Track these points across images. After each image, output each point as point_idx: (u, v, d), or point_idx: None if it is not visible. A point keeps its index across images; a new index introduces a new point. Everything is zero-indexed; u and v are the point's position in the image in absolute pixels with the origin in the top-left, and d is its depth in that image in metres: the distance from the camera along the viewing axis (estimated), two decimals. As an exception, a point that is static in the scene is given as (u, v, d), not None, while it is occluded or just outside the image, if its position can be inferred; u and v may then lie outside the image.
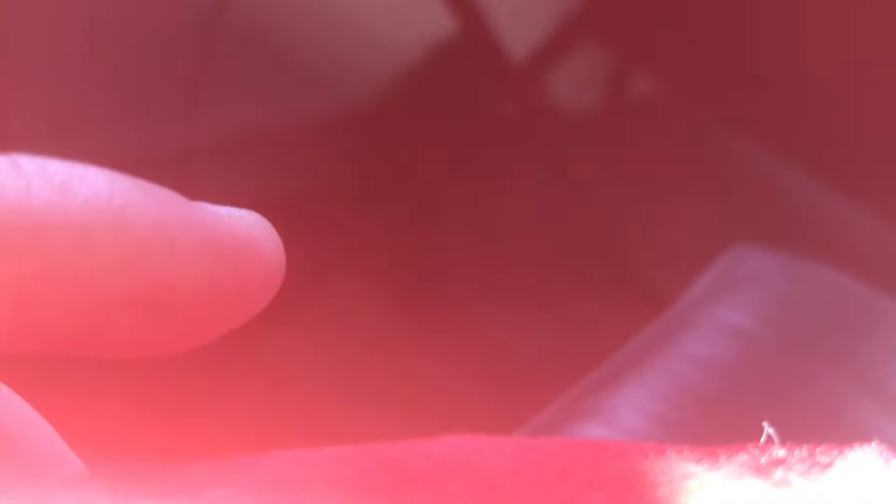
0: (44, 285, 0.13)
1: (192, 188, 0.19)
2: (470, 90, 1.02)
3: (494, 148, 1.01)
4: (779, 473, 0.14)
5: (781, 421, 0.17)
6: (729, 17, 0.93)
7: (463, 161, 1.00)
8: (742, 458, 0.15)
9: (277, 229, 0.16)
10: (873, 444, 0.15)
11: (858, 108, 0.90)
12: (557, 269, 0.94)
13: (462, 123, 1.01)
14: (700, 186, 0.99)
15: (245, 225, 0.15)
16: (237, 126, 0.94)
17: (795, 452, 0.15)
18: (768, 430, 0.16)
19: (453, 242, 0.95)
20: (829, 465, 0.15)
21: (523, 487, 0.13)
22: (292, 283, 0.17)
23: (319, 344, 0.85)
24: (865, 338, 0.54)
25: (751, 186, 0.97)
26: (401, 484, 0.13)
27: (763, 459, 0.15)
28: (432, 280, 0.92)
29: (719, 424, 0.47)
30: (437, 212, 0.98)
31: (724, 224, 0.95)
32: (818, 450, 0.15)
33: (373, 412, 0.80)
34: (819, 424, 0.47)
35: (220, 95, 0.93)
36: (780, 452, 0.15)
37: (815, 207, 0.94)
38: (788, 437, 0.16)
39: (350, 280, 0.90)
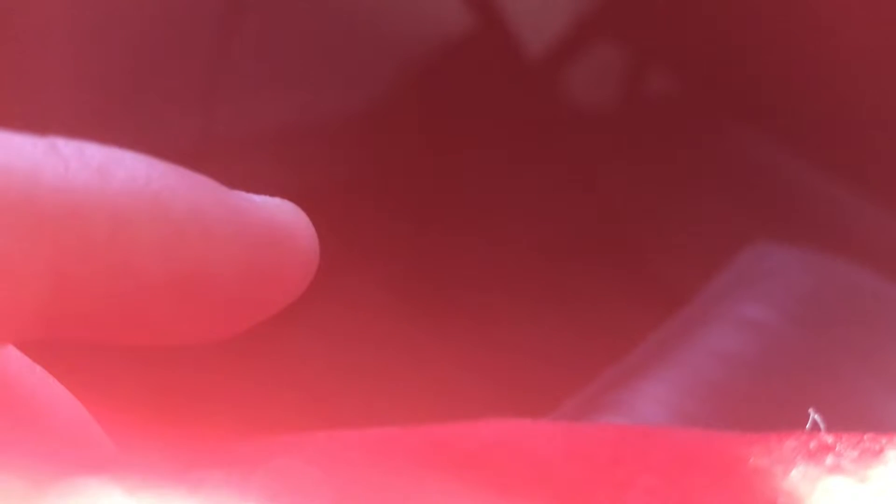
0: (80, 268, 0.13)
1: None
2: (486, 87, 1.02)
3: (510, 144, 1.01)
4: (830, 459, 0.14)
5: (803, 414, 0.17)
6: (745, 14, 0.93)
7: (479, 157, 1.00)
8: (791, 443, 0.14)
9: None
10: None
11: (877, 104, 0.89)
12: (574, 264, 0.94)
13: (478, 120, 1.01)
14: (718, 183, 0.99)
15: (280, 213, 0.15)
16: (253, 122, 0.94)
17: (843, 439, 0.15)
18: (814, 416, 0.16)
19: (469, 237, 0.95)
20: (881, 452, 0.14)
21: (576, 470, 0.13)
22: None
23: (333, 336, 0.85)
24: (886, 331, 0.53)
25: (769, 182, 0.97)
26: (453, 465, 0.13)
27: (812, 445, 0.14)
28: (448, 274, 0.92)
29: (741, 418, 0.47)
30: (453, 207, 0.97)
31: (743, 220, 0.94)
32: (865, 437, 0.15)
33: (389, 404, 0.80)
34: (841, 418, 0.47)
35: (236, 92, 0.93)
36: (828, 439, 0.15)
37: (834, 202, 0.94)
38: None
39: (366, 273, 0.90)
